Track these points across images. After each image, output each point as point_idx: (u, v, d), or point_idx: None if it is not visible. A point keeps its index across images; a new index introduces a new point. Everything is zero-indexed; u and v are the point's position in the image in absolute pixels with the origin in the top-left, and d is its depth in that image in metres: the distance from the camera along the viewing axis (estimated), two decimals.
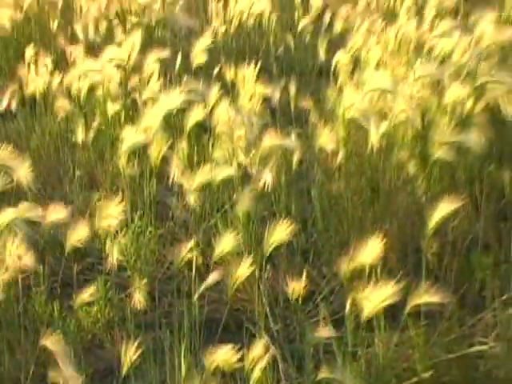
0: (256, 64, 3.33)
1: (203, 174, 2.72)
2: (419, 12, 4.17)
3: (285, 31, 4.74)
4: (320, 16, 4.59)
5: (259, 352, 2.00)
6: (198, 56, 3.86)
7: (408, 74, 3.15)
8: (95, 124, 3.56)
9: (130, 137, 2.97)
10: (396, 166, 2.99)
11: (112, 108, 3.58)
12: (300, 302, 2.36)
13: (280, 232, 2.35)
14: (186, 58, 3.99)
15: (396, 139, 3.01)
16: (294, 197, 3.13)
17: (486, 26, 3.52)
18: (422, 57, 3.40)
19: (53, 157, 3.67)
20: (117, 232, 2.91)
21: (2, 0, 5.06)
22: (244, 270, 2.25)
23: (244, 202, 2.70)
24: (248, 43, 4.79)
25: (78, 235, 2.45)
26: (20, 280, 2.30)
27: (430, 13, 4.03)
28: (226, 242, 2.36)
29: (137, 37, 3.95)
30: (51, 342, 1.94)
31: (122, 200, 2.98)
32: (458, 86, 3.02)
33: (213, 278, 2.32)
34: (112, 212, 2.57)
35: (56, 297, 2.60)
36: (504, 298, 2.57)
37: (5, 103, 3.67)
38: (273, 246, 2.35)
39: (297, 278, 2.31)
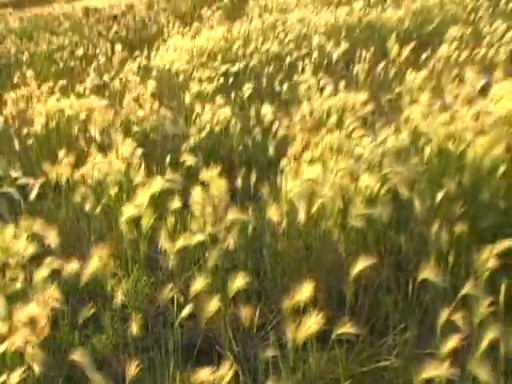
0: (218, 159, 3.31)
1: (182, 240, 2.72)
2: (340, 122, 4.24)
3: (244, 134, 4.80)
4: (269, 124, 4.64)
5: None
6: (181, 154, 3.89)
7: (332, 168, 3.20)
8: (104, 202, 3.56)
9: (128, 211, 3.01)
10: (324, 232, 3.01)
11: (115, 190, 3.59)
12: (255, 330, 2.39)
13: (239, 281, 2.41)
14: (172, 153, 4.03)
15: (324, 212, 3.02)
16: (250, 254, 3.13)
17: (388, 132, 3.62)
18: (342, 155, 3.45)
19: (74, 225, 3.66)
20: (120, 280, 2.94)
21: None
22: (213, 306, 2.29)
23: (213, 258, 2.74)
24: (216, 143, 4.85)
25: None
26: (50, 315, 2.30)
27: (348, 123, 4.11)
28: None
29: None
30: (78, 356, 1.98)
31: (125, 257, 3.03)
32: (368, 175, 3.08)
33: (187, 311, 2.35)
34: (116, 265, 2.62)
35: (76, 328, 2.60)
36: (402, 326, 2.61)
37: (36, 190, 3.67)
38: (235, 290, 2.39)
39: (252, 313, 2.31)
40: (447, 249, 2.64)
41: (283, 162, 3.62)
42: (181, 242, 2.71)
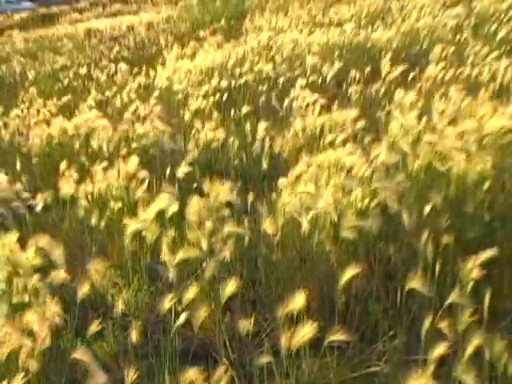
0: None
1: (181, 253, 2.70)
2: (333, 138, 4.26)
3: (239, 150, 4.83)
4: (263, 140, 4.66)
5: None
6: (179, 169, 3.91)
7: (327, 182, 3.22)
8: (106, 215, 3.57)
9: (132, 225, 3.01)
10: (317, 243, 3.01)
11: (117, 204, 3.60)
12: (250, 337, 2.40)
13: (231, 287, 2.42)
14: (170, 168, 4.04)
15: (317, 225, 3.03)
16: (245, 264, 3.14)
17: (378, 149, 3.62)
18: (335, 171, 3.45)
19: (77, 237, 3.65)
20: (121, 290, 2.95)
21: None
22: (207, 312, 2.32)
23: (210, 269, 2.74)
24: (214, 157, 4.88)
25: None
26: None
27: (340, 139, 4.13)
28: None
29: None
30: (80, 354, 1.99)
31: (126, 267, 3.03)
32: (360, 189, 3.10)
33: (183, 319, 2.36)
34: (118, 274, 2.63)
35: (78, 335, 2.60)
36: (390, 333, 2.63)
37: (40, 205, 3.69)
38: (227, 296, 2.41)
39: (248, 321, 2.32)
40: (434, 259, 2.66)
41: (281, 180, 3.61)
42: (180, 255, 2.70)
